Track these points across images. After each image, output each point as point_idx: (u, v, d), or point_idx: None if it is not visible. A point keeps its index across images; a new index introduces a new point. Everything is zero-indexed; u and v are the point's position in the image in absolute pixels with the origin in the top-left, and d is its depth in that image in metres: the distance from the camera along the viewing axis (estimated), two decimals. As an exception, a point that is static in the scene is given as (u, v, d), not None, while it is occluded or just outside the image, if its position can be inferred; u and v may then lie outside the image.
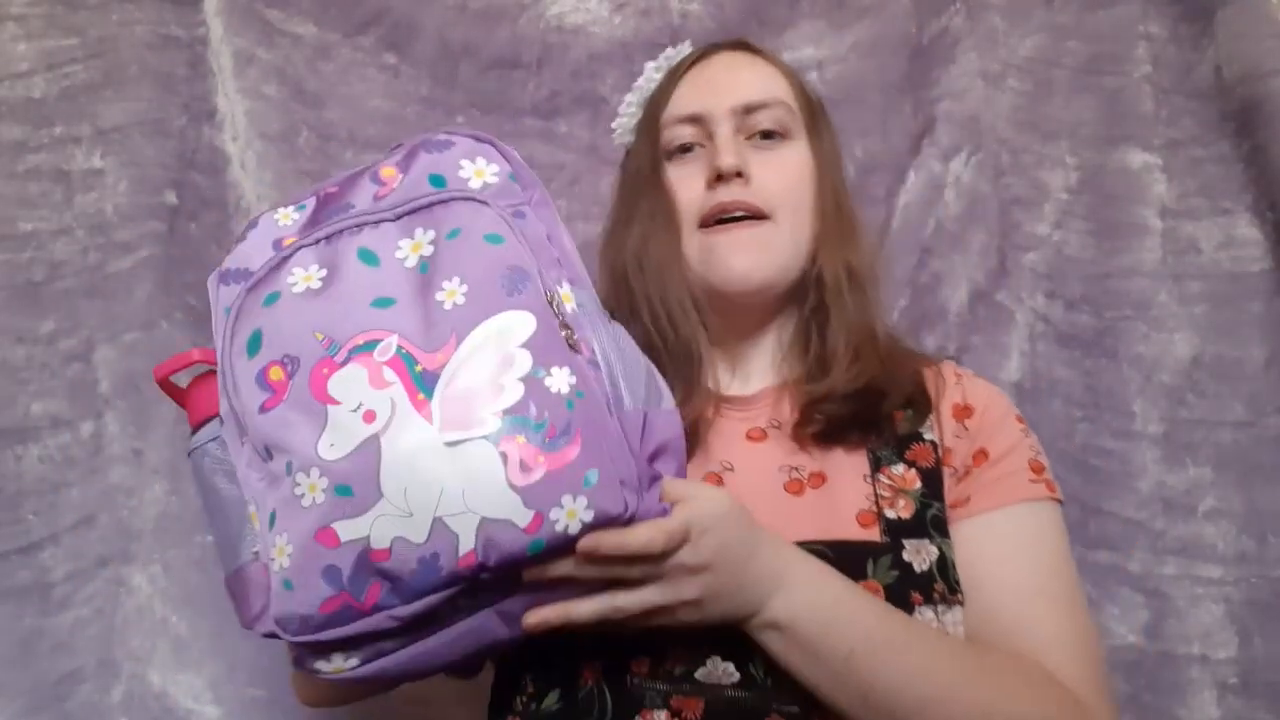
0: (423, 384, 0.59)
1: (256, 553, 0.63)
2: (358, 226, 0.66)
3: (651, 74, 0.90)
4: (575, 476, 0.57)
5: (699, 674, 0.68)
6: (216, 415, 0.68)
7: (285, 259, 0.65)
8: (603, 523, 0.57)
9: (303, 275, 0.64)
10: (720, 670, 0.68)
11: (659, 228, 0.81)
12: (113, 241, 1.22)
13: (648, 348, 0.73)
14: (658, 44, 1.29)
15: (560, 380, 0.58)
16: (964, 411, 0.79)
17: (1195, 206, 1.26)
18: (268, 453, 0.61)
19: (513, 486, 0.56)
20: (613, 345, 0.64)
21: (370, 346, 0.60)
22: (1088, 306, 1.26)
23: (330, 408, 0.59)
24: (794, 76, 0.88)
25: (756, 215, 0.79)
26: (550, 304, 0.61)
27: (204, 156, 1.27)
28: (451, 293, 0.61)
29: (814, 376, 0.79)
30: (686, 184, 0.81)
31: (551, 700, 0.71)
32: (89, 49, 1.25)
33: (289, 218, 0.69)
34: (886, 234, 1.31)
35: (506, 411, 0.57)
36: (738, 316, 0.83)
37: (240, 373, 0.63)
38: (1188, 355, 1.23)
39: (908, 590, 0.70)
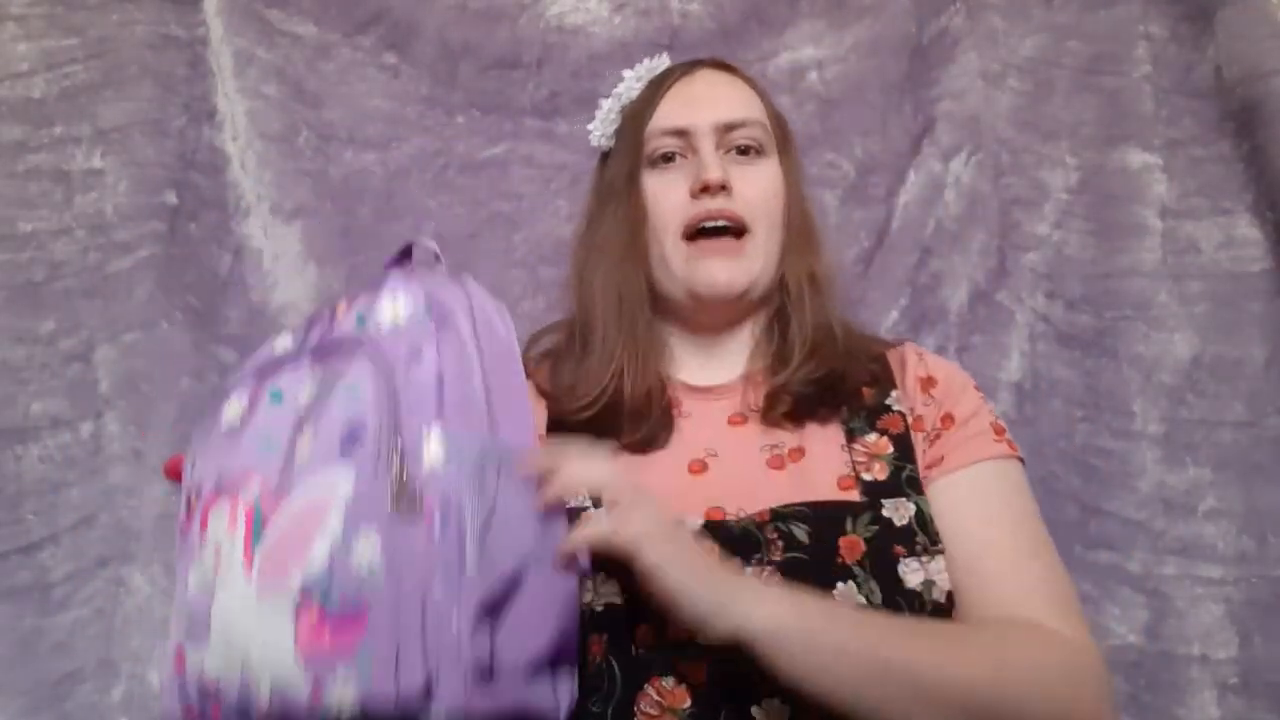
0: (258, 535, 0.61)
1: None
2: (281, 364, 0.68)
3: (632, 83, 0.94)
4: (350, 653, 0.57)
5: (700, 639, 0.70)
6: None
7: (228, 392, 0.70)
8: (370, 701, 0.56)
9: (232, 409, 0.69)
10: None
11: (628, 234, 0.86)
12: (113, 241, 1.23)
13: (607, 339, 0.83)
14: (658, 44, 1.30)
15: (365, 551, 0.58)
16: (929, 383, 0.84)
17: (1195, 206, 1.26)
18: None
19: (300, 654, 0.57)
20: (481, 507, 0.61)
21: (241, 489, 0.63)
22: (1088, 306, 1.27)
23: (204, 538, 0.64)
24: (767, 96, 0.94)
25: (737, 225, 0.85)
26: (391, 460, 0.59)
27: (204, 156, 1.27)
28: (304, 443, 0.62)
29: (775, 370, 0.85)
30: (669, 192, 0.86)
31: None
32: (89, 49, 1.25)
33: (283, 347, 0.72)
34: (886, 234, 1.31)
35: (307, 578, 0.58)
36: (715, 316, 0.88)
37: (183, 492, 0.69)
38: (1188, 355, 1.23)
39: (890, 543, 0.74)
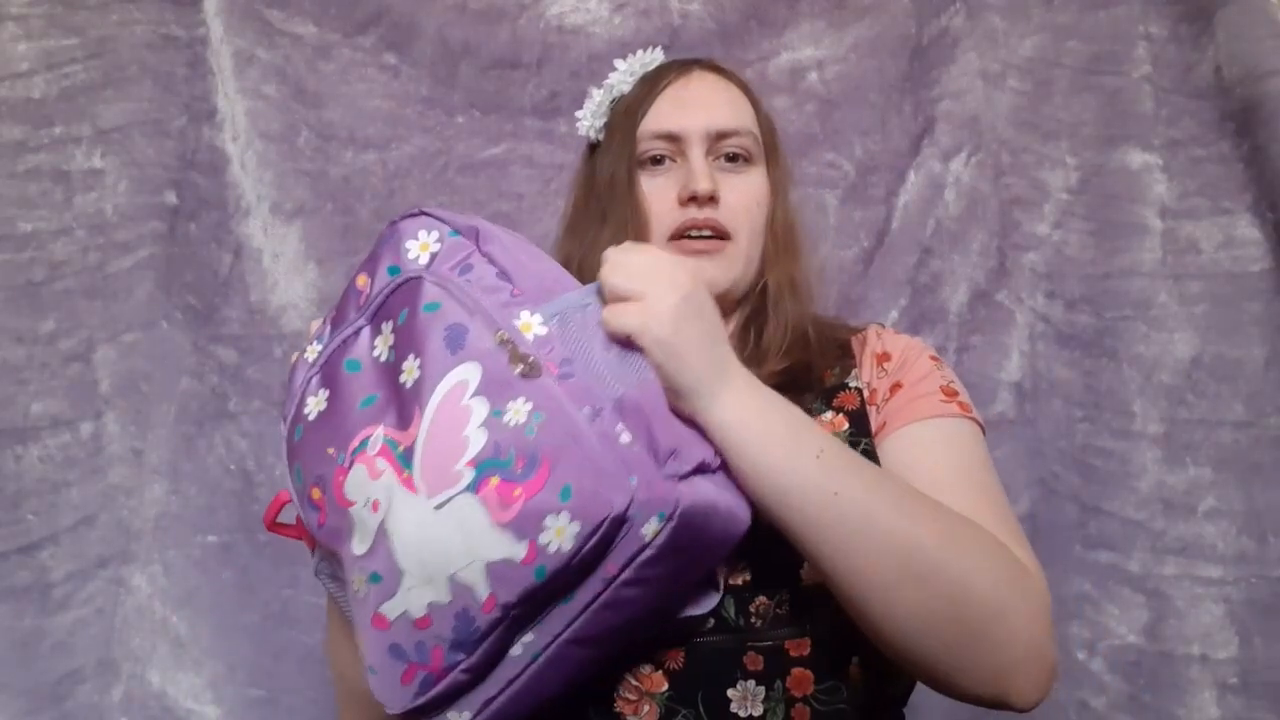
0: (406, 461, 0.63)
1: None
2: (344, 341, 0.71)
3: (624, 75, 0.95)
4: (551, 497, 0.58)
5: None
6: None
7: (303, 393, 0.72)
8: (593, 532, 0.58)
9: (314, 402, 0.71)
10: (697, 619, 0.72)
11: (630, 238, 0.86)
12: (113, 241, 1.23)
13: None
14: (658, 44, 1.30)
15: (517, 412, 0.61)
16: (884, 358, 0.85)
17: (1195, 206, 1.26)
18: (337, 561, 0.68)
19: (499, 525, 0.59)
20: (585, 347, 0.65)
21: (364, 445, 0.65)
22: (1088, 306, 1.27)
23: (351, 510, 0.65)
24: (759, 103, 0.95)
25: (720, 233, 0.86)
26: (501, 344, 0.63)
27: (204, 156, 1.27)
28: (410, 370, 0.65)
29: (746, 366, 0.83)
30: (658, 196, 0.87)
31: None
32: (89, 49, 1.25)
33: (314, 352, 0.74)
34: (886, 234, 1.31)
35: (475, 460, 0.60)
36: None
37: (299, 502, 0.70)
38: (1188, 355, 1.23)
39: None
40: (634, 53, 0.94)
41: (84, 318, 1.21)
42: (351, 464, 0.65)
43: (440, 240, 0.70)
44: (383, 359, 0.68)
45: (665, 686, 0.70)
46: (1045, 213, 1.30)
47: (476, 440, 0.60)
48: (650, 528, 0.59)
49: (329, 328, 0.75)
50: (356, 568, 0.64)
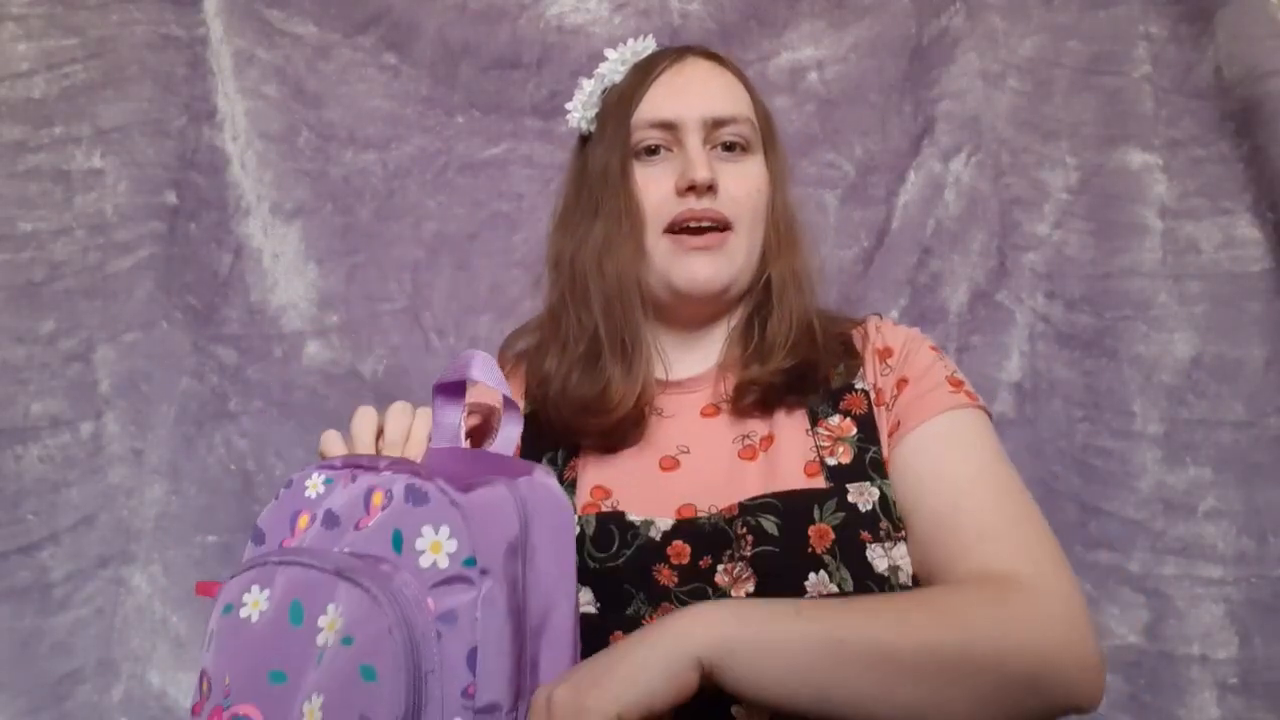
0: None
1: None
2: (307, 567, 0.62)
3: (616, 64, 0.91)
4: None
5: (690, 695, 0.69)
6: None
7: (258, 567, 0.64)
8: None
9: (252, 601, 0.63)
10: None
11: (624, 231, 0.84)
12: (113, 241, 1.23)
13: (594, 339, 0.81)
14: (658, 44, 1.30)
15: None
16: (885, 353, 0.84)
17: (1195, 206, 1.26)
18: None
19: None
20: None
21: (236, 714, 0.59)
22: (1088, 306, 1.27)
23: None
24: (755, 91, 0.92)
25: (721, 224, 0.84)
26: None
27: (204, 156, 1.27)
28: (311, 715, 0.57)
29: (750, 363, 0.84)
30: (654, 186, 0.84)
31: None
32: (89, 49, 1.25)
33: (316, 488, 0.67)
34: (886, 234, 1.31)
35: None
36: (694, 311, 0.87)
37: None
38: (1188, 355, 1.23)
39: (856, 530, 0.73)
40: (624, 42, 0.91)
41: (84, 318, 1.21)
42: (218, 712, 0.60)
43: (450, 557, 0.60)
44: (319, 642, 0.60)
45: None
46: (1045, 213, 1.30)
47: None
48: None
49: (345, 474, 0.67)
50: None
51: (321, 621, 0.60)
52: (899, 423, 0.78)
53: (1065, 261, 1.28)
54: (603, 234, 0.84)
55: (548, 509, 0.66)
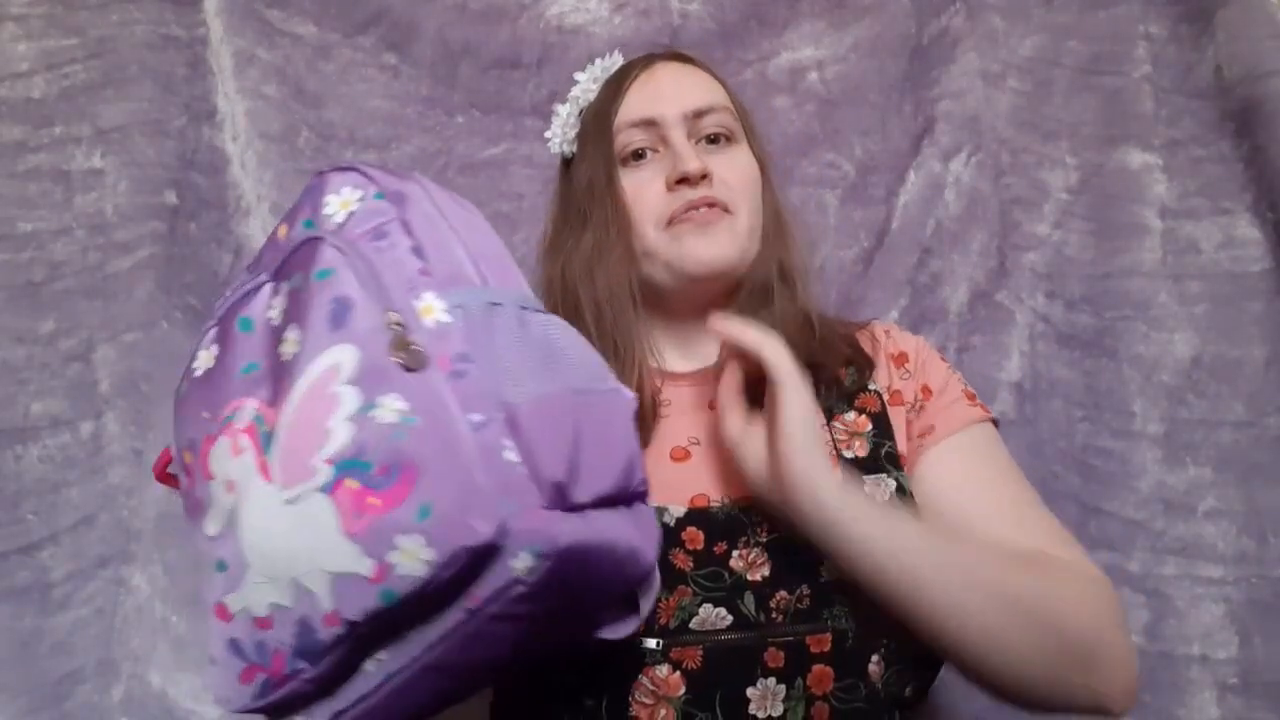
0: (268, 444, 0.56)
1: None
2: (244, 295, 0.64)
3: (588, 84, 0.93)
4: (407, 514, 0.51)
5: (693, 624, 0.71)
6: None
7: (199, 345, 0.65)
8: (447, 562, 0.51)
9: (204, 357, 0.63)
10: (713, 616, 0.71)
11: (613, 237, 0.84)
12: (113, 241, 1.22)
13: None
14: (658, 44, 1.30)
15: (389, 410, 0.53)
16: (901, 359, 0.86)
17: (1195, 206, 1.26)
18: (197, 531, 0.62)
19: (349, 535, 0.52)
20: (491, 344, 0.57)
21: (233, 416, 0.58)
22: (1088, 306, 1.26)
23: (210, 484, 0.59)
24: (728, 85, 0.93)
25: (722, 208, 0.84)
26: (390, 328, 0.55)
27: (204, 156, 1.27)
28: (291, 342, 0.57)
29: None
30: (646, 188, 0.84)
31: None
32: (89, 49, 1.25)
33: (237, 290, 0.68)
34: (886, 234, 1.31)
35: (334, 457, 0.53)
36: (693, 300, 0.86)
37: (177, 463, 0.64)
38: (1188, 355, 1.23)
39: None
40: (639, 50, 0.93)
41: (84, 318, 1.21)
42: (219, 434, 0.58)
43: (363, 200, 0.62)
44: (275, 323, 0.60)
45: (682, 689, 0.69)
46: (1045, 213, 1.30)
47: (339, 435, 0.53)
48: (521, 563, 0.51)
49: (253, 269, 0.67)
50: (206, 549, 0.58)
51: (274, 306, 0.61)
52: (932, 427, 0.81)
53: (1065, 261, 1.28)
54: (592, 243, 0.85)
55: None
